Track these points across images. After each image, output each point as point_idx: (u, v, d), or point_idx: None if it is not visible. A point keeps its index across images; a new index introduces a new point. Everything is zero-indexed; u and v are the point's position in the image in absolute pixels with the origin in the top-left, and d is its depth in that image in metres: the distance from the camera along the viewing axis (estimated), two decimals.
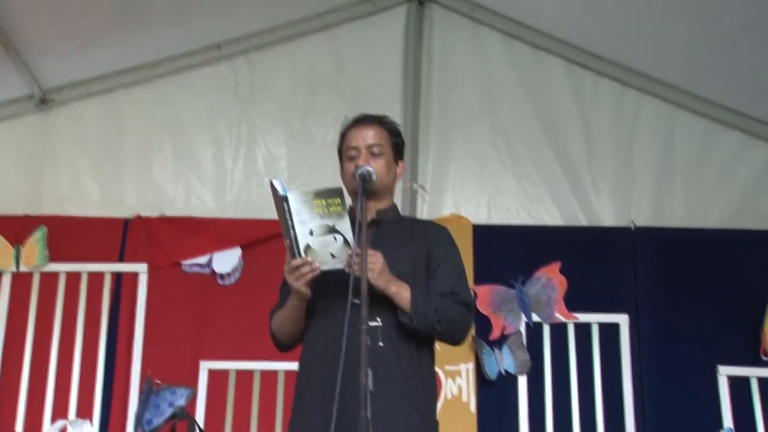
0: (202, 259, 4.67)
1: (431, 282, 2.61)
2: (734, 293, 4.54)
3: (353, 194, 2.65)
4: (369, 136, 2.71)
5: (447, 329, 2.56)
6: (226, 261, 4.68)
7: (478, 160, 4.93)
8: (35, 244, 4.62)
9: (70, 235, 4.68)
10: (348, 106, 4.89)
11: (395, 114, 4.77)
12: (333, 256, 2.44)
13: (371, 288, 2.35)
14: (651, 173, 4.84)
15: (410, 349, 2.54)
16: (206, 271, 4.67)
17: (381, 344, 2.37)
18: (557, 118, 4.93)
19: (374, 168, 2.62)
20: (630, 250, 4.64)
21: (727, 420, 4.35)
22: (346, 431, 2.25)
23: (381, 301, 2.46)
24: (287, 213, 2.40)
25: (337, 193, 2.40)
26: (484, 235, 4.68)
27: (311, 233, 2.41)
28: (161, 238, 4.69)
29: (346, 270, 2.39)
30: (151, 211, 4.76)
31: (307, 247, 2.43)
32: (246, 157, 4.94)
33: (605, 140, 4.89)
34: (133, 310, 4.60)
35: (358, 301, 2.28)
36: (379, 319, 2.36)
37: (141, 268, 4.65)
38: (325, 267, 2.45)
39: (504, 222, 4.83)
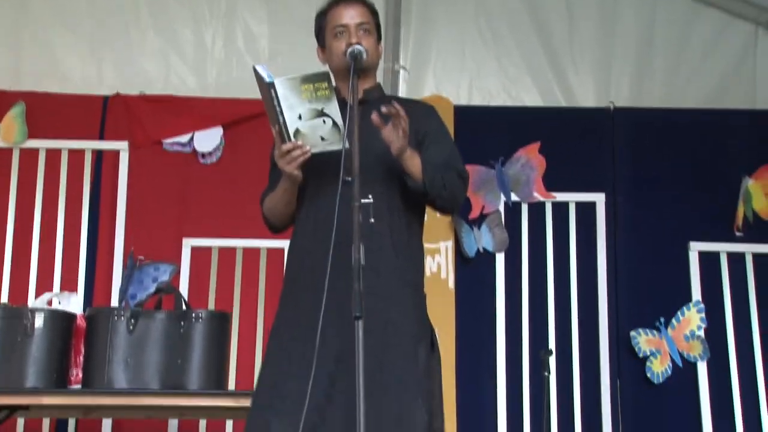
0: (183, 138, 4.67)
1: (426, 155, 2.62)
2: (710, 172, 4.62)
3: (340, 73, 2.64)
4: (357, 14, 2.68)
5: (449, 196, 2.60)
6: (208, 140, 4.68)
7: (459, 41, 4.92)
8: (13, 120, 4.58)
9: (50, 113, 4.65)
10: None
11: None
12: (323, 138, 2.46)
13: (362, 165, 2.37)
14: (631, 54, 4.85)
15: (401, 225, 2.59)
16: (187, 149, 4.68)
17: (372, 220, 2.38)
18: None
19: (366, 46, 2.60)
20: (609, 131, 4.70)
21: (696, 293, 4.49)
22: (341, 305, 2.30)
23: (372, 179, 2.49)
24: (275, 99, 2.40)
25: (324, 77, 2.40)
26: (465, 116, 4.69)
27: (300, 118, 2.43)
28: (142, 117, 4.68)
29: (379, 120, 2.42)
30: (130, 90, 4.72)
31: (297, 132, 2.45)
32: (226, 36, 4.89)
33: (587, 21, 4.88)
34: (114, 187, 4.62)
35: (350, 179, 2.32)
36: (370, 196, 2.37)
37: (122, 146, 4.65)
38: (316, 149, 2.48)
39: (484, 103, 4.86)
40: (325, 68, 2.63)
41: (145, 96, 4.72)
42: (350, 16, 2.67)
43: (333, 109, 2.42)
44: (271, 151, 2.64)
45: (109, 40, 4.84)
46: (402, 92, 4.84)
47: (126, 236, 4.56)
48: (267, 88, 2.40)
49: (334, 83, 2.45)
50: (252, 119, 4.61)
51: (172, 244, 4.56)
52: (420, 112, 2.73)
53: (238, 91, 4.71)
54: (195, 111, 4.70)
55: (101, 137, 4.68)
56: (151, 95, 4.73)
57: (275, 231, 2.81)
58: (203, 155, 4.68)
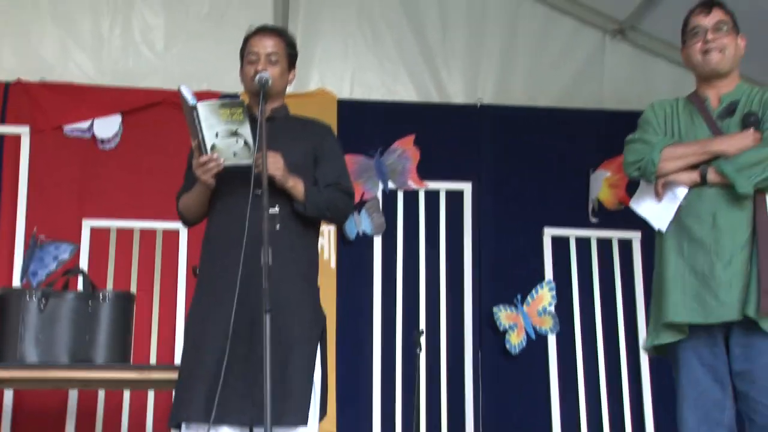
0: (83, 124, 4.93)
1: (319, 172, 3.09)
2: (563, 165, 5.17)
3: (250, 93, 3.12)
4: (268, 45, 3.09)
5: (334, 215, 3.10)
6: (107, 127, 4.94)
7: (343, 40, 5.32)
8: None
9: None
10: None
11: None
12: (235, 154, 2.91)
13: (271, 181, 2.83)
14: (496, 56, 5.34)
15: (299, 230, 3.03)
16: (87, 135, 4.93)
17: (278, 227, 2.89)
18: (418, 3, 5.34)
19: (270, 74, 3.01)
20: (476, 126, 5.20)
21: (549, 273, 5.04)
22: (249, 300, 2.79)
23: (278, 193, 2.94)
24: (196, 119, 2.85)
25: (239, 104, 2.85)
26: (347, 108, 5.13)
27: (217, 135, 2.88)
28: (43, 103, 4.89)
29: (255, 169, 2.83)
30: (31, 76, 4.93)
31: (213, 147, 2.89)
32: (123, 26, 5.14)
33: (457, 26, 5.34)
34: (16, 170, 4.84)
35: (259, 192, 2.76)
36: (277, 207, 2.88)
37: (23, 131, 4.86)
38: (228, 163, 2.92)
39: (365, 97, 5.27)
40: (242, 89, 3.10)
41: (46, 83, 4.94)
42: (263, 45, 3.08)
43: (245, 130, 2.87)
44: (188, 156, 3.08)
45: (7, 27, 5.02)
46: (289, 86, 5.20)
47: (27, 217, 4.78)
48: (190, 109, 2.84)
49: (246, 104, 2.89)
50: (149, 108, 4.95)
51: (72, 225, 4.82)
52: (318, 131, 3.21)
53: (134, 80, 5.04)
54: (94, 99, 4.95)
55: (2, 121, 4.88)
56: (51, 82, 4.95)
57: (188, 225, 3.27)
58: (102, 141, 4.94)
